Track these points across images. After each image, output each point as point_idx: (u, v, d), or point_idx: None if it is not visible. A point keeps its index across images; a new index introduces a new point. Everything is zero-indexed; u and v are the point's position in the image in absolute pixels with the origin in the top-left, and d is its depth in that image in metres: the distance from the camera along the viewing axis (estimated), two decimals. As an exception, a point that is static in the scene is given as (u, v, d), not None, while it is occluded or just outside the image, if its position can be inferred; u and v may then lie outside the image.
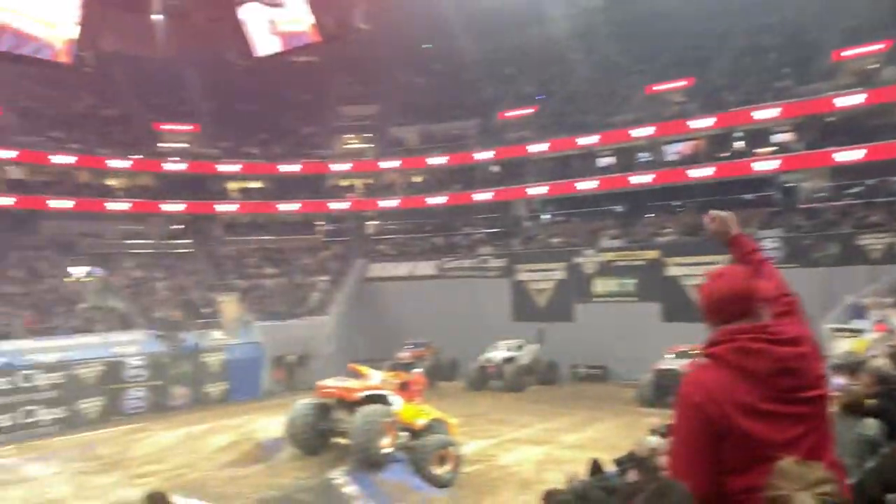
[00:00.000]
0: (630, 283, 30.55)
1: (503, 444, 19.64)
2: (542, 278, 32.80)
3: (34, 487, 14.80)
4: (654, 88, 36.18)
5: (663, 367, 24.09)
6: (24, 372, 23.94)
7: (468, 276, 34.67)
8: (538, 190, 36.96)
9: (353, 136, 45.05)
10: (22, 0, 8.42)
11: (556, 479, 6.30)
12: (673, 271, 29.35)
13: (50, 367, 24.66)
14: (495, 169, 39.50)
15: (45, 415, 24.11)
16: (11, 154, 33.91)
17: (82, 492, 14.31)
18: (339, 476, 14.52)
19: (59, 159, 35.35)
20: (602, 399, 26.47)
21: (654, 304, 29.38)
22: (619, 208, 35.57)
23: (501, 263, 34.19)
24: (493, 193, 37.89)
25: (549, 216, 38.25)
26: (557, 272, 32.44)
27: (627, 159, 35.24)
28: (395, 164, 41.16)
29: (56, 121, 37.38)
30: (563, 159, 37.04)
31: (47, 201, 34.43)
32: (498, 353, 29.71)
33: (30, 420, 23.72)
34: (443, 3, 36.65)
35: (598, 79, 39.96)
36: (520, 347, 29.98)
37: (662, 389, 24.04)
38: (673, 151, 34.53)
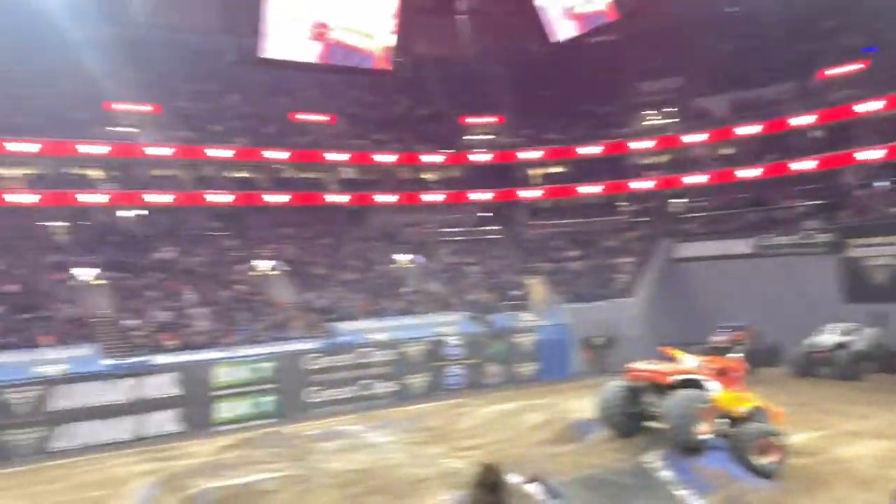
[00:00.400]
0: None
1: (836, 436, 17.76)
2: (881, 254, 29.00)
3: (376, 453, 16.52)
4: None
5: None
6: (363, 349, 26.90)
7: (788, 254, 31.87)
8: (871, 154, 32.76)
9: (654, 111, 43.69)
10: (348, 17, 9.61)
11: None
12: None
13: (383, 346, 27.43)
14: (817, 134, 35.78)
15: (380, 388, 26.89)
16: (344, 157, 38.32)
17: (415, 460, 15.66)
18: (653, 460, 14.22)
19: (382, 158, 39.17)
20: (961, 391, 22.80)
21: None
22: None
23: (828, 239, 30.89)
24: (816, 162, 34.39)
25: (886, 183, 33.76)
26: (899, 245, 28.52)
27: None
28: (702, 137, 39.14)
29: (378, 123, 41.39)
30: (902, 117, 32.43)
31: (374, 197, 38.37)
32: (828, 336, 26.93)
33: (367, 392, 26.62)
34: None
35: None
36: (853, 331, 26.87)
37: None
38: None
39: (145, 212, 34.23)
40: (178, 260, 31.21)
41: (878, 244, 29.12)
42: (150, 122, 35.12)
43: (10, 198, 30.75)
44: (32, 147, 31.34)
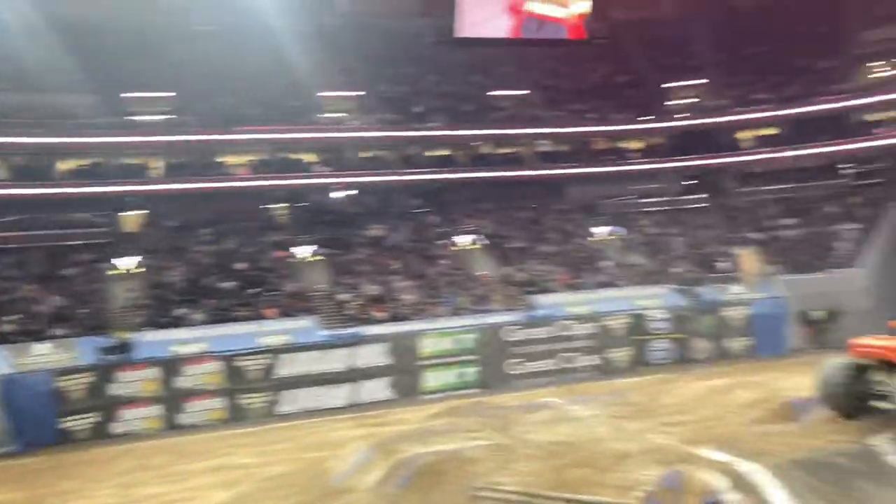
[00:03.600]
0: None
1: None
2: None
3: (578, 427, 16.47)
4: None
5: None
6: (563, 322, 26.88)
7: None
8: None
9: (882, 62, 39.33)
10: None
11: None
12: None
13: (583, 319, 27.23)
14: None
15: (581, 361, 26.77)
16: (540, 130, 38.23)
17: (619, 434, 15.44)
18: (882, 443, 13.04)
19: (579, 129, 38.64)
20: None
21: None
22: None
23: None
24: None
25: None
26: None
27: None
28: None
29: (575, 93, 40.78)
30: None
31: (572, 169, 37.93)
32: None
33: (569, 366, 26.60)
34: None
35: None
36: None
37: None
38: None
39: (355, 192, 36.23)
40: (386, 236, 32.85)
41: None
42: (356, 107, 37.06)
43: (238, 183, 33.85)
44: (256, 136, 34.20)
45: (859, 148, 36.87)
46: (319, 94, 36.31)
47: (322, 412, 22.92)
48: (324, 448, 17.54)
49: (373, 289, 28.42)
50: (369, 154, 36.83)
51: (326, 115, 36.37)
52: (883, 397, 14.16)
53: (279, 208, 34.96)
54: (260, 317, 26.23)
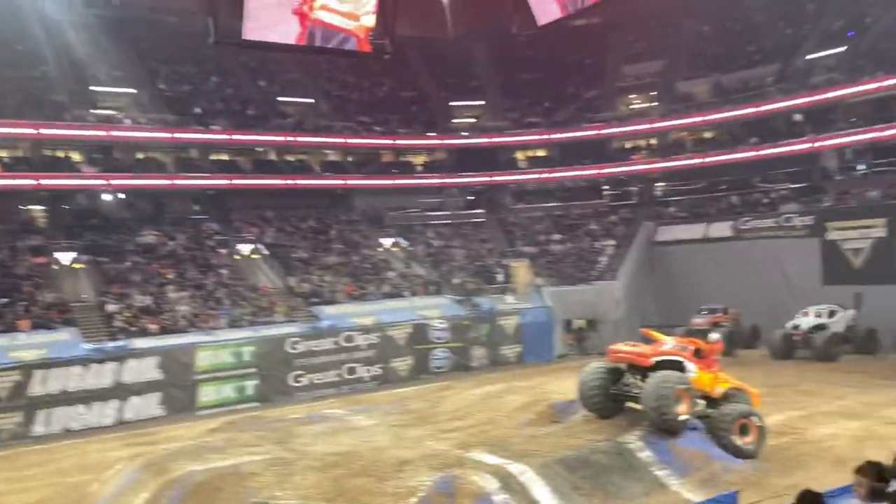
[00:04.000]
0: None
1: (813, 416, 18.08)
2: (859, 237, 29.30)
3: (359, 436, 16.59)
4: None
5: None
6: (347, 333, 26.93)
7: (769, 237, 32.15)
8: (851, 138, 33.02)
9: (637, 95, 43.81)
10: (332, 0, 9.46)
11: (878, 457, 5.68)
12: None
13: (367, 329, 27.47)
14: (798, 118, 36.01)
15: (364, 371, 26.98)
16: (327, 140, 38.08)
17: (399, 442, 15.74)
18: (633, 440, 14.39)
19: (366, 141, 39.01)
20: (935, 372, 23.20)
21: None
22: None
23: (808, 222, 31.14)
24: (796, 145, 34.58)
25: (865, 167, 34.06)
26: (877, 229, 28.78)
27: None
28: (684, 120, 39.22)
29: (363, 105, 41.21)
30: (882, 101, 32.67)
31: (358, 180, 38.14)
32: (806, 319, 27.30)
33: (352, 376, 26.70)
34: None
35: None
36: (832, 314, 27.27)
37: None
38: None
39: (125, 196, 33.84)
40: (160, 244, 31.02)
41: (856, 227, 29.43)
42: (131, 104, 34.73)
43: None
44: (11, 130, 30.82)
45: (618, 171, 40.56)
46: (90, 88, 33.65)
47: (85, 432, 21.23)
48: (86, 471, 16.29)
49: (144, 299, 26.70)
50: (144, 155, 34.57)
51: (97, 111, 33.66)
52: (634, 398, 15.65)
53: (38, 210, 31.84)
54: (13, 329, 23.67)
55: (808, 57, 36.74)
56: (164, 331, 25.05)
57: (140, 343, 23.76)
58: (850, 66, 34.39)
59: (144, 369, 22.83)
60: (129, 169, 33.18)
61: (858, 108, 33.50)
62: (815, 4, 39.73)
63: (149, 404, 22.78)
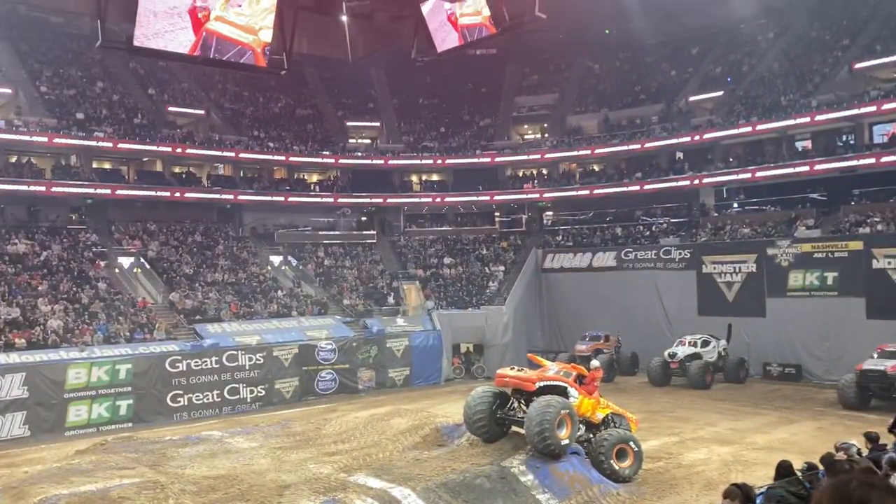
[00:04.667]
0: (830, 277, 28.18)
1: (686, 442, 18.92)
2: (732, 271, 31.02)
3: (239, 459, 16.09)
4: (859, 66, 33.16)
5: (869, 367, 22.31)
6: (230, 352, 26.12)
7: (650, 268, 33.57)
8: (727, 177, 35.04)
9: (530, 125, 45.04)
10: (228, 10, 9.23)
11: (745, 480, 5.98)
12: (880, 263, 26.77)
13: (251, 349, 26.74)
14: (680, 156, 37.94)
15: (247, 392, 26.22)
16: (217, 153, 37.01)
17: (280, 465, 15.36)
18: (516, 464, 14.61)
19: (258, 156, 38.18)
20: (796, 400, 24.76)
21: (857, 298, 26.96)
22: (816, 195, 33.03)
23: (686, 255, 32.75)
24: (677, 182, 36.38)
25: (739, 205, 36.20)
26: (748, 264, 30.58)
27: (827, 142, 32.70)
28: (574, 153, 40.55)
29: (256, 121, 40.43)
30: (755, 144, 34.90)
31: (248, 195, 37.21)
32: (682, 348, 28.62)
33: (234, 397, 25.89)
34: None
35: (794, 57, 37.29)
36: (705, 343, 28.71)
37: (867, 392, 22.46)
38: (882, 133, 31.54)
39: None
40: (32, 253, 29.24)
41: (729, 262, 31.15)
42: (8, 105, 32.75)
43: None
44: None
45: (509, 199, 41.40)
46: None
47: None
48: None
49: (11, 311, 25.04)
50: (18, 159, 32.55)
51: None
52: (519, 423, 15.90)
53: None
54: None
55: (691, 99, 38.82)
56: (32, 345, 23.55)
57: (3, 358, 22.21)
58: (728, 110, 36.57)
59: (7, 386, 21.36)
60: (2, 172, 31.17)
61: (734, 149, 35.62)
62: (697, 49, 42.14)
63: (11, 424, 21.31)
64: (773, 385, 27.75)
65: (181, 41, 10.38)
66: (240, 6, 10.41)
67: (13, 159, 32.28)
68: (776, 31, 39.22)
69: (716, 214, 35.97)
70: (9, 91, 32.78)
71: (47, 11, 34.68)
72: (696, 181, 35.62)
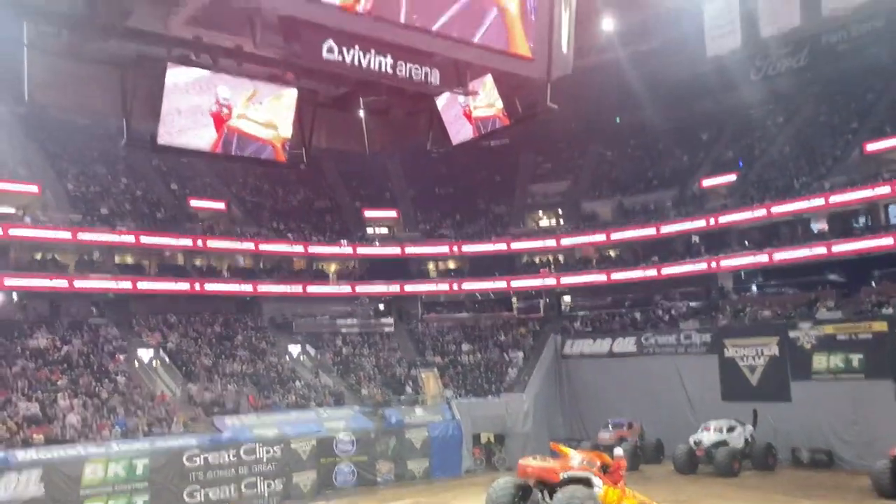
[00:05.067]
0: (855, 359, 27.65)
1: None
2: (754, 354, 30.52)
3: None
4: (871, 148, 33.47)
5: (902, 452, 21.65)
6: (248, 445, 25.78)
7: (671, 353, 33.15)
8: (744, 260, 34.97)
9: (545, 212, 45.49)
10: (249, 108, 9.67)
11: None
12: (906, 345, 26.31)
13: (269, 442, 26.38)
14: (696, 240, 38.01)
15: (265, 487, 25.73)
16: (237, 245, 37.61)
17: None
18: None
19: (276, 248, 38.71)
20: (829, 487, 23.92)
21: (884, 381, 26.36)
22: (836, 277, 32.81)
23: (707, 339, 32.36)
24: (694, 265, 36.31)
25: (758, 287, 35.96)
26: (770, 347, 30.12)
27: (843, 224, 32.70)
28: (589, 238, 40.75)
29: (275, 213, 41.18)
30: (771, 227, 34.94)
31: (267, 286, 37.52)
32: (707, 434, 27.90)
33: (251, 492, 25.41)
34: (630, 75, 36.49)
35: (805, 140, 37.77)
36: (731, 429, 28.00)
37: (903, 478, 21.68)
38: (898, 213, 31.62)
39: (16, 296, 32.17)
40: (53, 348, 29.37)
41: (751, 345, 30.70)
42: (34, 202, 33.59)
43: None
44: None
45: (527, 286, 41.41)
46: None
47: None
48: None
49: (30, 406, 24.98)
50: (43, 255, 33.14)
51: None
52: (542, 514, 15.46)
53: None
54: None
55: (704, 183, 39.15)
56: (50, 441, 23.38)
57: (22, 455, 22.02)
58: (741, 193, 36.82)
59: (25, 484, 21.12)
60: (26, 268, 31.72)
61: (750, 232, 35.67)
62: (707, 134, 42.80)
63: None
64: (804, 472, 26.87)
65: (203, 138, 10.71)
66: (261, 103, 10.78)
67: (38, 256, 32.87)
68: (785, 116, 39.90)
69: (735, 297, 35.74)
70: (35, 189, 33.66)
71: (76, 113, 35.88)
72: (714, 264, 35.55)
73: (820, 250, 31.95)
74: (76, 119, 36.00)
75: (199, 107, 10.27)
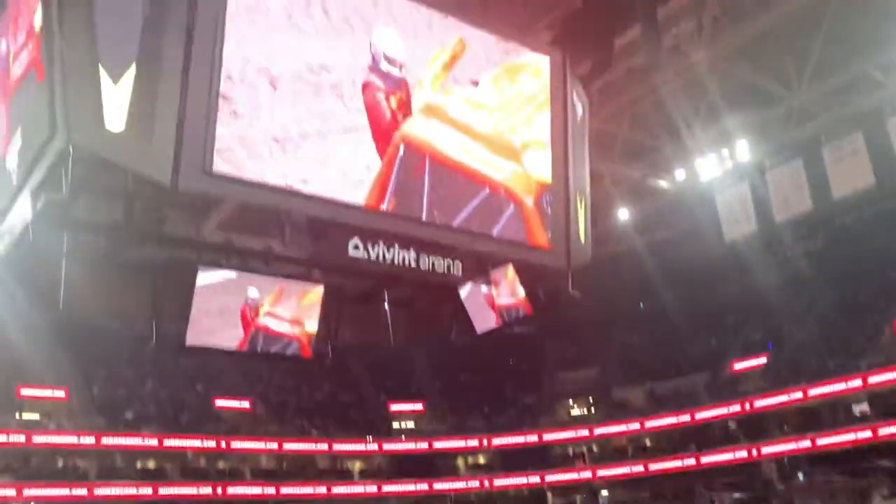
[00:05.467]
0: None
1: None
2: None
3: None
4: (902, 326, 33.03)
5: None
6: None
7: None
8: (786, 446, 33.45)
9: (575, 400, 44.45)
10: (276, 305, 9.97)
11: None
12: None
13: None
14: (733, 426, 36.65)
15: None
16: (261, 445, 36.87)
17: None
18: None
19: (301, 447, 37.86)
20: None
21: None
22: (888, 462, 31.08)
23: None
24: (735, 453, 34.75)
25: (804, 475, 34.11)
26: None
27: (885, 405, 31.50)
28: (623, 427, 39.48)
29: (300, 409, 40.67)
30: (810, 410, 33.70)
31: (292, 488, 36.22)
32: None
33: None
34: (649, 262, 36.97)
35: (833, 321, 37.34)
36: None
37: None
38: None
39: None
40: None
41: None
42: (61, 407, 33.56)
43: None
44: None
45: (562, 481, 39.59)
46: (22, 392, 32.69)
47: None
48: None
49: None
50: (65, 462, 32.54)
51: (24, 416, 32.26)
52: None
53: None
54: None
55: (736, 367, 38.37)
56: None
57: None
58: (774, 376, 35.95)
59: None
60: (46, 477, 31.05)
61: (789, 416, 34.42)
62: (734, 318, 42.55)
63: None
64: None
65: (230, 337, 10.82)
66: (288, 301, 10.98)
67: (60, 464, 32.31)
68: (809, 297, 39.72)
69: (781, 487, 33.81)
70: (63, 394, 33.78)
71: (107, 317, 36.82)
72: (755, 452, 34.01)
73: (865, 434, 30.61)
74: (107, 322, 36.78)
75: (227, 307, 10.47)
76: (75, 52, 6.87)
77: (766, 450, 33.86)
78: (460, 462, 41.56)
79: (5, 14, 8.57)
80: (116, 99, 6.88)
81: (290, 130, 7.89)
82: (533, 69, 10.20)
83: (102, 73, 6.89)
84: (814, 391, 32.72)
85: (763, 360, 37.78)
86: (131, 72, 7.01)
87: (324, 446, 38.39)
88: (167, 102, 7.14)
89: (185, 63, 7.24)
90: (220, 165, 7.35)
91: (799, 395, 33.27)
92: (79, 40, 6.88)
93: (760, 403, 34.54)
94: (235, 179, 7.49)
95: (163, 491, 32.90)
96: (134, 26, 7.10)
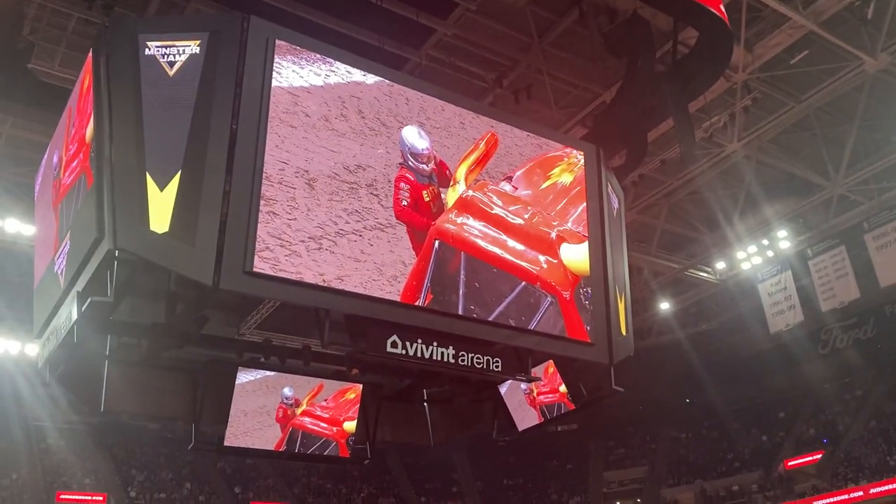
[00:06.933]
0: None
1: None
2: None
3: None
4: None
5: None
6: None
7: None
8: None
9: (622, 501, 42.73)
10: (314, 405, 9.95)
11: None
12: None
13: None
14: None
15: None
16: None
17: None
18: None
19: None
20: None
21: None
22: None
23: None
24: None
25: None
26: None
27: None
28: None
29: (339, 513, 39.76)
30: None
31: None
32: None
33: None
34: (693, 356, 36.07)
35: (891, 413, 35.82)
36: None
37: None
38: None
39: None
40: None
41: None
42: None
43: None
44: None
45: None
46: (59, 496, 32.52)
47: None
48: None
49: None
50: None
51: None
52: None
53: None
54: None
55: (789, 464, 36.76)
56: None
57: None
58: (831, 472, 34.31)
59: None
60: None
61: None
62: (784, 412, 41.05)
63: None
64: None
65: (268, 438, 10.73)
66: (325, 400, 10.90)
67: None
68: (863, 389, 38.31)
69: None
70: (101, 500, 33.49)
71: (146, 419, 36.84)
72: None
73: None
74: (146, 424, 36.79)
75: (265, 407, 10.44)
76: (124, 161, 7.15)
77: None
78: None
79: (58, 127, 9.01)
80: (161, 203, 7.10)
81: (326, 229, 8.00)
82: (566, 163, 10.31)
83: (149, 179, 7.13)
84: (876, 489, 31.05)
85: (818, 456, 36.16)
86: (176, 178, 7.24)
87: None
88: (209, 205, 7.32)
89: (227, 167, 7.46)
90: (259, 264, 7.45)
91: (860, 493, 31.59)
92: (127, 150, 7.18)
93: (830, 501, 32.83)
94: (274, 278, 7.56)
95: None
96: (180, 136, 7.38)
